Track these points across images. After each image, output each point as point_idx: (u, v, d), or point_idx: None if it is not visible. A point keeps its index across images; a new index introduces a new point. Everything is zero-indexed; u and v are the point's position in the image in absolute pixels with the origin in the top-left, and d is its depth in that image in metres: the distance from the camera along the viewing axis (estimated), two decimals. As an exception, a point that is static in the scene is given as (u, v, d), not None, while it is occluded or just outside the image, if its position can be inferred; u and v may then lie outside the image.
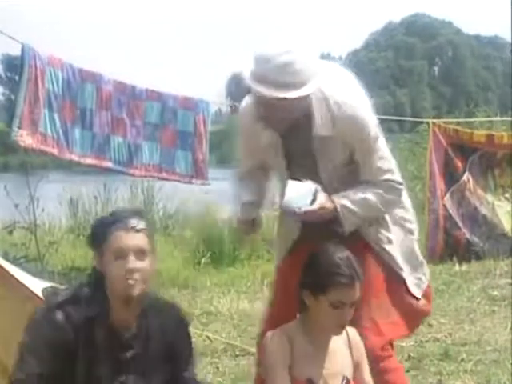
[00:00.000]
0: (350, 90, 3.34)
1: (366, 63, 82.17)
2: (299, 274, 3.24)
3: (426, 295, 3.60)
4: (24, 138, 6.88)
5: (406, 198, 3.56)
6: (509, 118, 14.00)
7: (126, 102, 7.55)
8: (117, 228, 2.83)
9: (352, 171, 3.38)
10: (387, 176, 3.36)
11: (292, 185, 3.20)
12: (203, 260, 9.54)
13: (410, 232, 3.55)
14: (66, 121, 7.16)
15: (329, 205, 3.25)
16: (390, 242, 3.45)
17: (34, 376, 2.77)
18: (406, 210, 3.56)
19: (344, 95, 3.28)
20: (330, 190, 3.32)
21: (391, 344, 3.54)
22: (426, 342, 5.94)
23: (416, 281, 3.52)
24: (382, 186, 3.34)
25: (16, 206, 8.78)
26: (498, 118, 14.23)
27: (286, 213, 3.31)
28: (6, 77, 54.91)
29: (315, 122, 3.27)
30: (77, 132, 7.25)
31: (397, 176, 3.41)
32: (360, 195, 3.31)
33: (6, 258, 6.25)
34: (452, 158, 9.46)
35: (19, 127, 6.84)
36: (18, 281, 4.86)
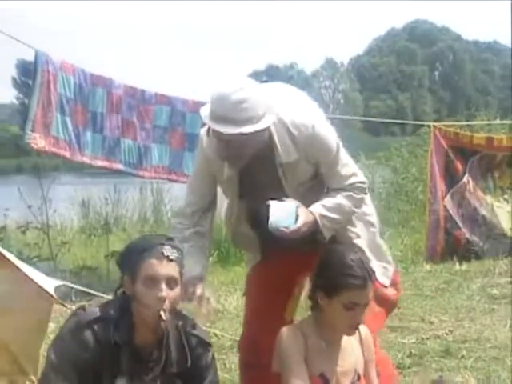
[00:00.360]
0: (305, 110, 3.38)
1: (369, 68, 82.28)
2: (274, 280, 3.42)
3: (395, 284, 3.67)
4: (37, 140, 6.90)
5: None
6: (508, 122, 13.98)
7: (135, 106, 7.57)
8: (150, 255, 2.78)
9: (318, 182, 3.43)
10: (352, 180, 3.41)
11: (275, 205, 3.18)
12: (211, 259, 9.51)
13: (371, 224, 3.61)
14: (78, 124, 7.18)
15: (310, 218, 3.27)
16: (358, 236, 3.53)
17: None
18: (366, 205, 3.61)
19: (300, 117, 3.31)
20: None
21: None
22: (427, 339, 5.93)
23: (382, 270, 3.58)
24: (350, 190, 3.40)
25: (29, 206, 8.81)
26: (497, 122, 14.17)
27: (275, 233, 3.25)
28: (20, 81, 54.98)
29: (278, 150, 3.29)
30: (88, 135, 7.26)
31: (360, 176, 3.47)
32: (334, 201, 3.35)
33: (19, 257, 6.26)
34: (452, 160, 9.44)
35: (32, 130, 6.86)
36: (31, 279, 4.87)
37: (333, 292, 2.99)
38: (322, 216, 3.31)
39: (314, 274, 3.12)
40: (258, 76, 63.06)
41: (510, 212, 9.69)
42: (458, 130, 9.99)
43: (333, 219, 3.35)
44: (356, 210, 3.45)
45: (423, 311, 6.73)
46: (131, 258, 2.81)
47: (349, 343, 3.14)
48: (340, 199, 3.37)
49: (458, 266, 8.85)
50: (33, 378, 4.59)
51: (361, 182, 3.44)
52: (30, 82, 7.23)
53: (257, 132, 3.14)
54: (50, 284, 4.68)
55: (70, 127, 7.11)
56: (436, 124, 9.89)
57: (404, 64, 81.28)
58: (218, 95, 3.15)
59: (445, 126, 10.03)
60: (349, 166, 3.43)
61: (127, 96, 7.52)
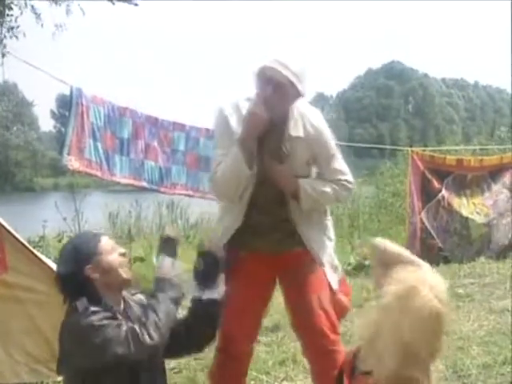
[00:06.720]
0: (319, 115, 3.55)
1: (353, 101, 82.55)
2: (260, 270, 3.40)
3: (346, 293, 3.64)
4: (72, 162, 6.90)
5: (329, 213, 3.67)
6: (473, 147, 14.11)
7: (156, 133, 7.56)
8: (99, 237, 2.92)
9: (309, 172, 3.50)
10: (342, 176, 3.49)
11: None
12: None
13: (330, 239, 3.59)
14: (108, 148, 7.18)
15: (293, 179, 3.38)
16: (321, 247, 3.51)
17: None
18: (330, 221, 3.65)
19: (316, 117, 3.49)
20: None
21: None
22: (405, 332, 5.90)
23: (335, 278, 3.56)
24: (338, 185, 3.47)
25: (64, 218, 8.82)
26: (465, 147, 14.36)
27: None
28: (58, 112, 55.37)
29: (289, 122, 3.38)
30: (116, 158, 7.25)
31: (349, 176, 3.52)
32: (321, 182, 3.44)
33: (56, 262, 6.25)
34: (429, 179, 9.42)
35: (68, 154, 6.86)
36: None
37: None
38: (306, 182, 3.40)
39: None
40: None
41: (480, 224, 9.71)
42: (433, 153, 10.01)
43: (314, 190, 3.39)
44: (335, 202, 3.60)
45: (402, 308, 6.69)
46: (88, 251, 2.86)
47: None
48: (327, 188, 3.44)
49: (430, 270, 8.82)
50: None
51: (348, 181, 3.50)
52: (67, 113, 7.24)
53: (293, 87, 3.28)
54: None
55: (101, 151, 7.10)
56: (413, 149, 9.89)
57: (383, 98, 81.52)
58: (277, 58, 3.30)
59: (421, 150, 10.04)
60: (342, 165, 3.50)
61: (149, 124, 7.52)
